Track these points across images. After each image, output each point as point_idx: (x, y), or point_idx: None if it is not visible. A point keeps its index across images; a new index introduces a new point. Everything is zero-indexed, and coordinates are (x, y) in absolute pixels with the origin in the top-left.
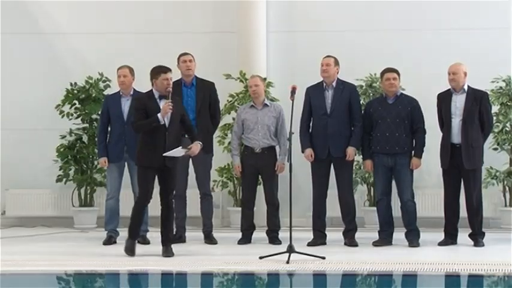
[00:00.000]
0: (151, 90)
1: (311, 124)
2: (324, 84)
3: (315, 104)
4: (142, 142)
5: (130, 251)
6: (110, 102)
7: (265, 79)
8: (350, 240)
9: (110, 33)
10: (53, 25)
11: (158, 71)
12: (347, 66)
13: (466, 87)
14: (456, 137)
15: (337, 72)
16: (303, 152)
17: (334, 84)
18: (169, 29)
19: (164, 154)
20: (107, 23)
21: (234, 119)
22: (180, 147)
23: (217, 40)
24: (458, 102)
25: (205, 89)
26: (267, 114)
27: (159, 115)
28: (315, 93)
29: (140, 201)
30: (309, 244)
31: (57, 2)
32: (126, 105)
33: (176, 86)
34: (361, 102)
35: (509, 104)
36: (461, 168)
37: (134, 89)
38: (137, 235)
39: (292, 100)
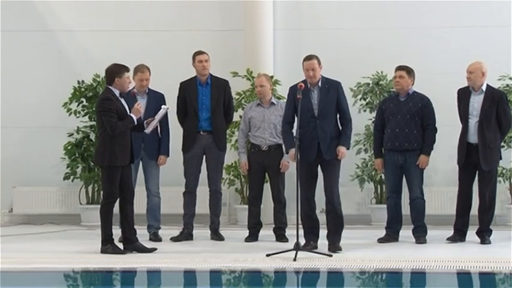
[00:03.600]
0: (109, 89)
1: (298, 125)
2: (309, 85)
3: (301, 105)
4: (110, 142)
5: (118, 250)
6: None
7: (272, 77)
8: (334, 245)
9: (118, 31)
10: (60, 23)
11: (121, 70)
12: (354, 64)
13: (484, 87)
14: (472, 137)
15: (320, 71)
16: (287, 152)
17: (319, 84)
18: (177, 27)
19: (149, 127)
20: (114, 21)
21: (241, 116)
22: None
23: (225, 38)
24: (476, 103)
25: (220, 88)
26: (273, 113)
27: (133, 115)
28: (295, 92)
29: (111, 201)
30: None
31: (64, 0)
32: (142, 103)
33: (191, 84)
34: (367, 100)
35: None
36: (477, 167)
37: (149, 88)
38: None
39: (299, 99)
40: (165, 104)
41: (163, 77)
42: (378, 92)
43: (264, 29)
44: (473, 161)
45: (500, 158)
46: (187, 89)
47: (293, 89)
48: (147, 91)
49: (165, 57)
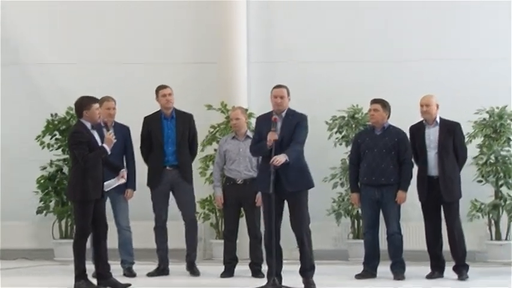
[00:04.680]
0: (80, 122)
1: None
2: (274, 113)
3: (263, 134)
4: (82, 176)
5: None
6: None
7: (246, 110)
8: (307, 281)
9: (91, 63)
10: (34, 55)
11: (89, 102)
12: (329, 97)
13: (438, 119)
14: (433, 170)
15: (288, 101)
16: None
17: (283, 114)
18: (150, 59)
19: (106, 189)
20: (87, 53)
21: (215, 150)
22: (116, 178)
23: (198, 70)
24: (432, 135)
25: (185, 121)
26: (249, 146)
27: (105, 146)
28: (264, 123)
29: (84, 236)
30: None
31: (38, 32)
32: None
33: (156, 118)
34: (343, 133)
35: (493, 136)
36: (440, 200)
37: (115, 121)
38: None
39: (274, 131)
40: (129, 135)
41: (136, 110)
42: (353, 126)
43: (238, 62)
44: (436, 195)
45: (461, 194)
46: (152, 123)
47: (260, 120)
48: (113, 124)
49: (137, 90)
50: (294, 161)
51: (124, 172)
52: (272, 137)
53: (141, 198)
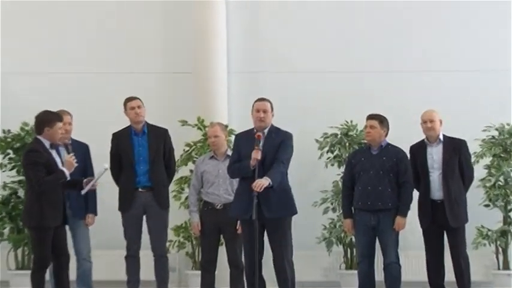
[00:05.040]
0: (37, 139)
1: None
2: (255, 129)
3: (243, 153)
4: (38, 200)
5: None
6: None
7: (226, 126)
8: None
9: (48, 73)
10: None
11: (53, 119)
12: (320, 112)
13: (441, 137)
14: (437, 193)
15: (272, 117)
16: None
17: (265, 131)
18: (118, 68)
19: (86, 188)
20: (44, 62)
21: (191, 171)
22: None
23: (172, 81)
24: (435, 155)
25: (159, 137)
26: None
27: (65, 169)
28: (244, 141)
29: (43, 267)
30: None
31: None
32: (63, 154)
33: (125, 134)
34: (335, 152)
35: (502, 155)
36: (444, 226)
37: (72, 138)
38: None
39: (258, 150)
40: (88, 153)
41: (99, 125)
42: (347, 144)
43: (217, 72)
44: (439, 220)
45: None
46: (121, 140)
47: (238, 137)
48: (70, 141)
49: (103, 102)
50: (277, 184)
51: (88, 179)
52: (256, 155)
53: (112, 224)
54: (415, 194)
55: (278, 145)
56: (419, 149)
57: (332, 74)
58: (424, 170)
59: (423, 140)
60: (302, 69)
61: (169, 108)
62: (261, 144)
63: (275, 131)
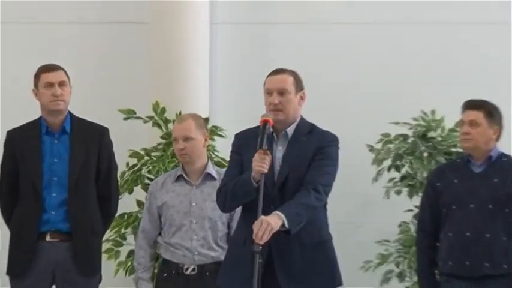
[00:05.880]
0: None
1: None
2: (270, 128)
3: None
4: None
5: None
6: None
7: (206, 120)
8: None
9: None
10: None
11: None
12: (377, 95)
13: None
14: None
15: (301, 105)
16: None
17: (291, 129)
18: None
19: None
20: None
21: (140, 203)
22: None
23: (113, 39)
24: None
25: (91, 141)
26: (210, 196)
27: None
28: (251, 146)
29: None
30: None
31: None
32: None
33: (29, 134)
34: (403, 170)
35: None
36: None
37: None
38: None
39: (266, 152)
40: None
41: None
42: (425, 155)
43: (190, 22)
44: None
45: None
46: (21, 144)
47: (240, 138)
48: None
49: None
50: (298, 227)
51: None
52: (262, 162)
53: None
54: None
55: (311, 156)
56: None
57: (388, 25)
58: None
59: None
60: (332, 19)
61: (106, 85)
62: (278, 147)
63: (307, 129)
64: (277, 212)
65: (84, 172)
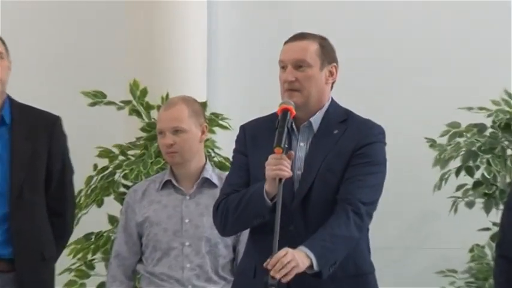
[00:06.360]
0: None
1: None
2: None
3: (262, 171)
4: None
5: None
6: None
7: (204, 105)
8: None
9: None
10: None
11: None
12: (440, 69)
13: None
14: None
15: (330, 84)
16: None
17: (317, 119)
18: None
19: None
20: None
21: (113, 219)
22: None
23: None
24: None
25: (37, 133)
26: (207, 209)
27: None
28: (262, 140)
29: None
30: None
31: None
32: None
33: None
34: (478, 174)
35: None
36: None
37: None
38: None
39: (284, 150)
40: None
41: None
42: (508, 153)
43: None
44: None
45: None
46: None
47: (247, 131)
48: None
49: None
50: (334, 266)
51: None
52: (279, 166)
53: None
54: None
55: (347, 157)
56: None
57: None
58: None
59: None
60: None
61: (70, 66)
62: (299, 142)
63: (339, 117)
64: (304, 249)
65: (30, 177)
